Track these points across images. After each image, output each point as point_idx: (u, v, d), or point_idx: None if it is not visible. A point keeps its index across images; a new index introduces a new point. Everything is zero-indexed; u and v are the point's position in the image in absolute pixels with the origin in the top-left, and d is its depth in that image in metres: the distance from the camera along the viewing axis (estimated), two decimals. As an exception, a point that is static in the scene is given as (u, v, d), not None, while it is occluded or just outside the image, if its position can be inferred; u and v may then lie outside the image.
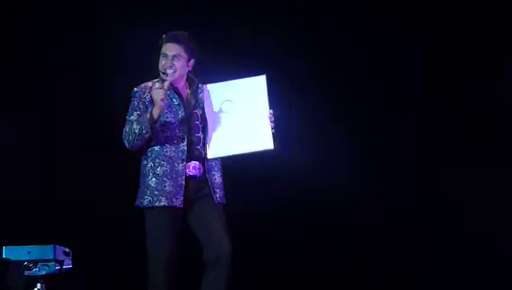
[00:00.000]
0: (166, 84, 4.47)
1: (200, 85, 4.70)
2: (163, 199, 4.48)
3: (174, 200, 4.49)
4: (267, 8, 6.36)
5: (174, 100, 4.58)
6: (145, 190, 4.53)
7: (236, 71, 4.70)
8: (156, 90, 4.42)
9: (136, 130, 4.45)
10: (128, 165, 6.09)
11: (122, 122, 4.57)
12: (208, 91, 4.66)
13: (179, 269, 4.54)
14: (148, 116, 4.42)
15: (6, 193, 6.39)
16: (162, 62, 4.57)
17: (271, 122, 4.56)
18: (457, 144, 6.47)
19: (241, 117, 4.60)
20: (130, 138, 4.48)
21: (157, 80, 4.63)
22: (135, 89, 4.62)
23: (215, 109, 4.64)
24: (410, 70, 6.51)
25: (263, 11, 6.36)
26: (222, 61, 5.66)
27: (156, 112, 4.42)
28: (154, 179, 4.51)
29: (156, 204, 4.49)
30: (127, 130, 4.50)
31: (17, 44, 6.40)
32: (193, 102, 4.65)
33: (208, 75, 4.71)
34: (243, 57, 6.03)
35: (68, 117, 6.62)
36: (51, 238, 6.00)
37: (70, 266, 6.25)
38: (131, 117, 4.53)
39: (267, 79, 4.57)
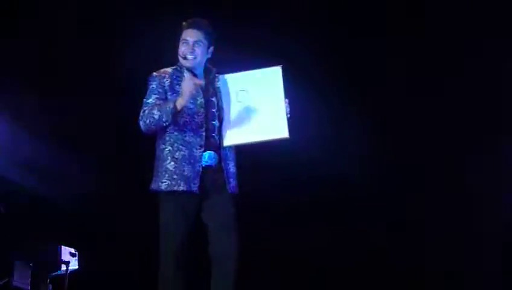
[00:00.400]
0: (202, 82, 4.48)
1: (216, 74, 4.74)
2: (182, 183, 4.48)
3: (192, 185, 4.49)
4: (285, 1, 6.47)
5: None
6: (164, 173, 4.51)
7: (253, 63, 4.73)
8: (189, 82, 4.41)
9: (156, 116, 4.45)
10: (135, 165, 6.21)
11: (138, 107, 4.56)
12: (225, 80, 4.70)
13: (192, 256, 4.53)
14: (171, 106, 4.41)
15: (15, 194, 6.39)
16: (183, 48, 4.60)
17: (286, 111, 4.60)
18: (476, 140, 6.52)
19: (256, 106, 4.64)
20: (148, 121, 4.47)
21: (175, 66, 4.66)
22: (154, 73, 4.64)
23: (231, 98, 4.67)
24: (426, 66, 6.57)
25: (282, 4, 6.45)
26: (239, 53, 5.69)
27: (180, 103, 4.42)
28: (172, 163, 4.50)
29: (175, 188, 4.48)
30: (146, 112, 4.49)
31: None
32: (210, 90, 4.68)
33: (225, 66, 4.74)
34: (260, 48, 6.09)
35: (72, 115, 6.63)
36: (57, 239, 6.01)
37: (77, 267, 6.27)
38: (150, 100, 4.54)
39: (283, 70, 4.62)
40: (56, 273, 6.10)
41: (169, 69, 4.67)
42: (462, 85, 6.47)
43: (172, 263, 4.46)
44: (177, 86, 4.57)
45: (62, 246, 6.09)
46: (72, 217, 6.57)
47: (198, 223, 4.57)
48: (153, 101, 4.53)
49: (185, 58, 4.59)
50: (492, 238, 6.36)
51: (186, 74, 4.50)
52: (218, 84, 4.71)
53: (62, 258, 6.06)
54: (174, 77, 4.60)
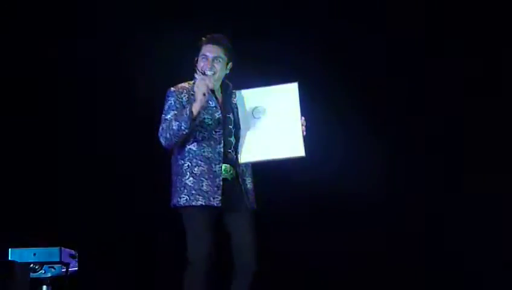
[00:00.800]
0: (211, 81, 4.45)
1: (233, 90, 4.72)
2: (200, 198, 4.48)
3: (212, 199, 4.49)
4: (299, 16, 6.43)
5: (211, 102, 4.57)
6: (182, 189, 4.52)
7: (269, 78, 4.74)
8: (202, 83, 4.39)
9: (175, 127, 4.43)
10: (133, 167, 6.17)
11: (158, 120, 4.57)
12: (242, 96, 4.68)
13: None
14: (187, 112, 4.39)
15: (11, 194, 6.32)
16: (202, 63, 4.57)
17: (303, 130, 4.59)
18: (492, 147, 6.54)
19: (272, 123, 4.62)
20: (168, 135, 4.47)
21: (192, 81, 4.63)
22: (172, 88, 4.61)
23: (247, 114, 4.66)
24: (443, 75, 6.57)
25: (296, 19, 6.43)
26: (255, 68, 5.67)
27: (196, 107, 4.39)
28: (191, 178, 4.51)
29: (193, 203, 4.49)
30: (164, 127, 4.49)
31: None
32: (227, 106, 4.68)
33: (241, 82, 4.73)
34: (275, 64, 6.08)
35: (68, 117, 6.57)
36: (57, 240, 5.96)
37: (77, 268, 6.23)
38: (168, 116, 4.52)
39: (299, 86, 4.60)
40: (56, 274, 6.07)
41: (186, 84, 4.65)
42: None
43: (200, 273, 4.47)
44: None
45: (62, 248, 6.05)
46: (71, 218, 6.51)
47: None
48: (171, 117, 4.51)
49: (204, 73, 4.55)
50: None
51: (198, 76, 4.46)
52: (235, 100, 4.70)
53: (62, 259, 6.03)
54: (192, 92, 4.56)
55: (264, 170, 4.73)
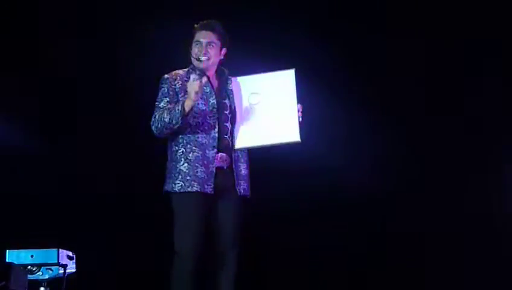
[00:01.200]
0: (204, 79, 4.45)
1: (229, 76, 4.73)
2: (195, 184, 4.48)
3: (206, 186, 4.49)
4: (297, 2, 6.46)
5: (205, 88, 4.56)
6: (177, 175, 4.51)
7: (266, 65, 4.74)
8: (193, 83, 4.38)
9: (166, 120, 4.44)
10: (132, 166, 6.17)
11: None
12: (237, 83, 4.70)
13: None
14: (179, 108, 4.40)
15: (9, 196, 6.32)
16: (195, 49, 4.60)
17: (299, 116, 4.60)
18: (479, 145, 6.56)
19: (269, 110, 4.64)
20: (159, 125, 4.48)
21: (187, 69, 4.65)
22: (165, 75, 4.62)
23: (244, 100, 4.67)
24: (443, 69, 6.57)
25: (293, 4, 6.44)
26: (251, 55, 5.69)
27: (188, 105, 4.40)
28: (186, 164, 4.50)
29: (189, 189, 4.48)
30: (157, 117, 4.49)
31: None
32: (223, 92, 4.68)
33: (238, 68, 4.73)
34: (272, 50, 6.08)
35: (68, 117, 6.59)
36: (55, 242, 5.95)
37: (74, 270, 6.21)
38: (162, 104, 4.54)
39: (296, 73, 4.62)
40: (53, 276, 6.04)
41: (180, 71, 4.66)
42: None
43: (188, 264, 4.46)
44: None
45: (60, 249, 6.04)
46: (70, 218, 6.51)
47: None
48: (164, 105, 4.53)
49: (198, 59, 4.59)
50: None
51: (192, 76, 4.46)
52: (231, 86, 4.71)
53: (60, 261, 6.01)
54: (186, 78, 4.57)
55: (259, 158, 4.73)
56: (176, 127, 4.47)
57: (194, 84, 4.39)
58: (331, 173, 6.37)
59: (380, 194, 6.53)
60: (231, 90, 4.70)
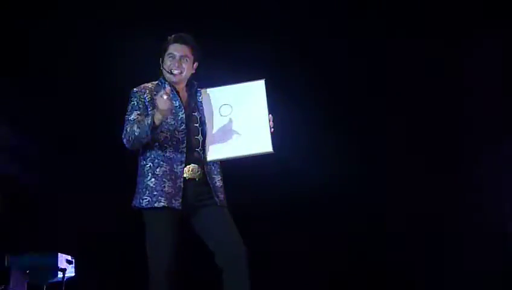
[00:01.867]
0: (167, 88, 4.37)
1: (198, 88, 4.70)
2: (162, 199, 4.44)
3: (173, 201, 4.46)
4: (264, 14, 6.41)
5: (175, 102, 4.55)
6: (144, 190, 4.49)
7: (235, 76, 4.70)
8: (162, 99, 4.33)
9: (136, 133, 4.42)
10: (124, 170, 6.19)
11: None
12: (208, 95, 4.67)
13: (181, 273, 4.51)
14: (149, 121, 4.37)
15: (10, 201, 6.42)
16: (168, 62, 4.57)
17: (270, 126, 4.56)
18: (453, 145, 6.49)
19: (240, 121, 4.60)
20: (130, 138, 4.45)
21: (156, 82, 4.64)
22: (134, 89, 4.60)
23: (214, 112, 4.63)
24: (407, 73, 6.52)
25: (261, 17, 6.41)
26: (221, 67, 5.68)
27: (158, 119, 4.36)
28: (153, 179, 4.47)
29: (156, 205, 4.45)
30: (128, 130, 4.46)
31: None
32: (192, 104, 4.65)
33: (207, 80, 4.72)
34: (241, 62, 6.05)
35: (60, 120, 6.64)
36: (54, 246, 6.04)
37: (74, 274, 6.30)
38: (132, 116, 4.51)
39: (266, 84, 4.57)
40: (52, 280, 6.14)
41: (149, 84, 4.64)
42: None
43: (161, 280, 4.44)
44: None
45: (59, 253, 6.13)
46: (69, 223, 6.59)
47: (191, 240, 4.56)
48: (135, 118, 4.50)
49: (170, 72, 4.57)
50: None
51: (160, 93, 4.36)
52: (200, 98, 4.68)
53: (59, 265, 6.10)
54: (155, 92, 4.55)
55: (231, 168, 4.70)
56: (145, 140, 4.45)
57: (163, 101, 4.33)
58: (300, 180, 6.35)
59: (346, 197, 6.51)
60: (201, 102, 4.67)
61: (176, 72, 4.56)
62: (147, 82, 4.66)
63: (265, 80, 4.60)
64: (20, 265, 5.97)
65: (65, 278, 6.15)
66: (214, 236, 4.52)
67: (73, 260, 6.28)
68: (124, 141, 4.50)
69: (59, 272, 6.11)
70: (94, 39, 6.35)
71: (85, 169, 6.62)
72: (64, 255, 6.19)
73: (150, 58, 4.78)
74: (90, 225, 6.58)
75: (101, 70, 6.37)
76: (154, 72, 4.66)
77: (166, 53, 4.59)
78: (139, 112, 4.52)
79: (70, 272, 6.24)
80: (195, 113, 4.64)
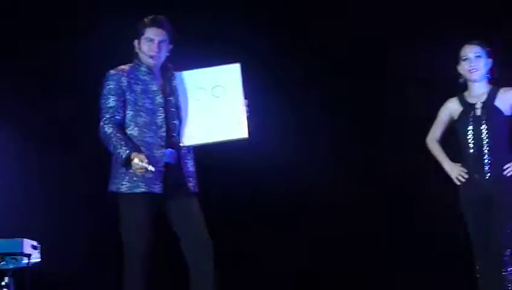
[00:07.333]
0: (150, 168, 4.31)
1: (173, 72, 4.65)
2: (142, 185, 4.41)
3: (153, 186, 4.42)
4: None
5: (151, 86, 4.51)
6: (123, 175, 4.44)
7: (211, 59, 4.67)
8: (138, 168, 4.32)
9: (109, 148, 4.42)
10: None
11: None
12: (182, 78, 4.62)
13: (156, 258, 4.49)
14: (124, 156, 4.33)
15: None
16: (146, 46, 4.51)
17: (246, 111, 4.54)
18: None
19: (215, 105, 4.57)
20: (104, 140, 4.43)
21: (132, 64, 4.57)
22: (111, 71, 4.53)
23: (190, 96, 4.60)
24: (397, 69, 6.47)
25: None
26: (197, 49, 5.60)
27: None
28: None
29: (135, 190, 4.42)
30: (106, 129, 4.41)
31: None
32: (168, 89, 4.59)
33: (183, 63, 4.66)
34: (218, 45, 5.97)
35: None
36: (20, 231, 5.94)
37: (39, 260, 6.19)
38: (109, 103, 4.45)
39: (242, 67, 4.55)
40: (18, 266, 6.04)
41: (126, 67, 4.57)
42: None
43: (139, 266, 4.42)
44: (135, 85, 4.49)
45: (24, 239, 6.02)
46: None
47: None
48: (113, 104, 4.45)
49: (151, 57, 4.51)
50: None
51: (136, 160, 4.32)
52: (175, 82, 4.63)
53: (24, 251, 6.00)
54: (132, 75, 4.51)
55: (207, 153, 4.67)
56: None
57: (138, 167, 4.31)
58: (278, 169, 6.32)
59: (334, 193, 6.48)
60: (175, 86, 4.61)
61: (155, 56, 4.51)
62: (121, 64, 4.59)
63: (240, 64, 4.57)
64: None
65: (30, 263, 6.04)
66: (182, 228, 4.53)
67: (38, 246, 6.16)
68: (101, 133, 4.46)
69: (24, 258, 6.00)
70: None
71: (48, 153, 6.49)
72: (29, 240, 6.07)
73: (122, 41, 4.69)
74: (56, 210, 6.47)
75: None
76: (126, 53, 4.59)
77: (144, 37, 4.53)
78: (116, 97, 4.46)
79: (36, 257, 6.13)
80: (171, 98, 4.59)
